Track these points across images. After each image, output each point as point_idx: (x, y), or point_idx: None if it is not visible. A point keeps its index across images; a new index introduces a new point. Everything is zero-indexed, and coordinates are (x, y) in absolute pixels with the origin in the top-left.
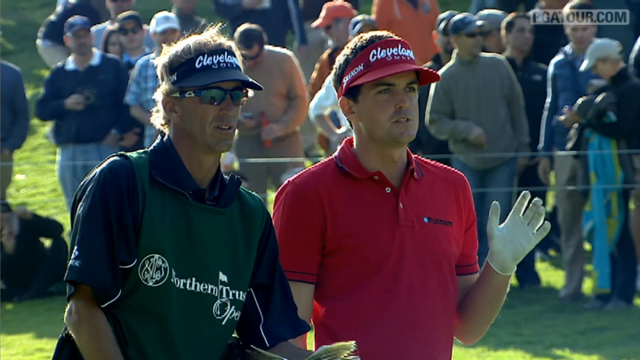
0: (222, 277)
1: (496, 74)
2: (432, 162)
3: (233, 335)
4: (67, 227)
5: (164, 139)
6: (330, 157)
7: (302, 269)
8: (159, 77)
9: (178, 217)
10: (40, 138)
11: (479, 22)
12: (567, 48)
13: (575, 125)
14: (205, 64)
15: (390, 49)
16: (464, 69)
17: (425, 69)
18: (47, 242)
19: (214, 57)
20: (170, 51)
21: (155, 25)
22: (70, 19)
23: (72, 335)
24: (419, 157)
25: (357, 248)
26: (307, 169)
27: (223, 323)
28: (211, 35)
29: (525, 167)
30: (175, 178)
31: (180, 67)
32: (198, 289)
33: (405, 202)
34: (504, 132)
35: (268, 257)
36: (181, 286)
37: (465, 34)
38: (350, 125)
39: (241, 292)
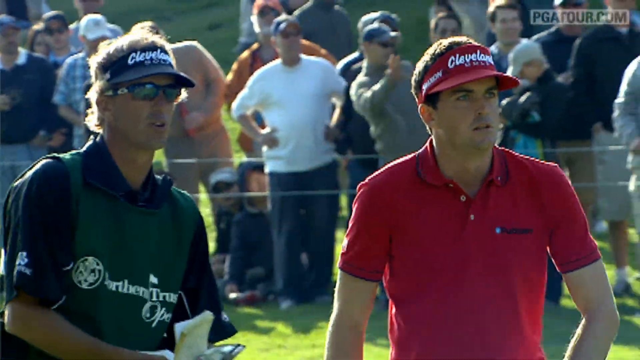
0: (153, 279)
1: (410, 79)
2: (527, 160)
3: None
4: None
5: (97, 140)
6: (413, 155)
7: (362, 265)
8: (93, 76)
9: (111, 220)
10: None
11: (393, 33)
12: (493, 48)
13: (501, 126)
14: (137, 60)
15: (469, 55)
16: (379, 76)
17: (504, 74)
18: None
19: (147, 53)
20: (104, 50)
21: (85, 29)
22: None
23: (23, 337)
24: (514, 155)
25: (414, 258)
26: (388, 166)
27: (153, 325)
28: (144, 34)
29: None
30: (108, 180)
31: (114, 65)
32: (130, 291)
33: (477, 213)
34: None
35: (199, 260)
36: (114, 288)
37: (378, 43)
38: (430, 132)
39: (172, 294)
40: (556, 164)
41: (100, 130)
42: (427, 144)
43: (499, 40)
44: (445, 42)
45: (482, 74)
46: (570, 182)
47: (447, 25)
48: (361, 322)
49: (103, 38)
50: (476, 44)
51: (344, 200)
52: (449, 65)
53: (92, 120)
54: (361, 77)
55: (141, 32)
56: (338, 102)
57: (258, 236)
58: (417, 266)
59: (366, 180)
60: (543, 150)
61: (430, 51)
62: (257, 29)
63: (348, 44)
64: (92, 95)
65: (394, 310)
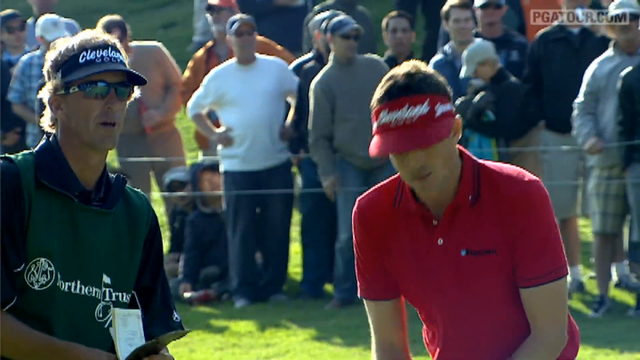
0: (106, 280)
1: (374, 74)
2: (502, 177)
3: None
4: None
5: (50, 139)
6: (398, 176)
7: (370, 287)
8: (46, 76)
9: (64, 220)
10: None
11: (355, 25)
12: (447, 48)
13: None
14: (88, 58)
15: (397, 112)
16: (342, 70)
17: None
18: None
19: (98, 51)
20: (55, 50)
21: (43, 30)
22: None
23: None
24: (491, 171)
25: (399, 280)
26: (377, 185)
27: (106, 326)
28: (95, 32)
29: None
30: (61, 180)
31: (65, 64)
32: (83, 292)
33: (445, 236)
34: None
35: (153, 259)
36: (66, 289)
37: (340, 36)
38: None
39: (125, 294)
40: (534, 180)
41: (54, 130)
42: None
43: (453, 39)
44: (385, 86)
45: (400, 148)
46: (545, 199)
47: (397, 25)
48: (396, 340)
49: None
50: (413, 95)
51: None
52: (378, 121)
53: (46, 120)
54: (327, 69)
55: (92, 31)
56: (293, 101)
57: (212, 235)
58: (404, 287)
59: (357, 200)
60: (497, 149)
61: (378, 91)
62: (212, 27)
63: (370, 43)
64: (45, 94)
65: None
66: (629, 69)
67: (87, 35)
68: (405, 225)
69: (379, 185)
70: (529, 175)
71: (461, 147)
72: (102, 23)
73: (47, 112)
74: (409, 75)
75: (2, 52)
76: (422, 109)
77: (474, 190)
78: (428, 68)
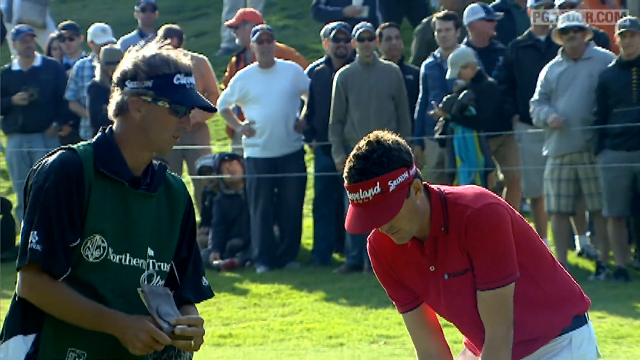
0: (150, 252)
1: (388, 77)
2: (462, 206)
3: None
4: (15, 204)
5: (106, 132)
6: None
7: (399, 302)
8: (129, 74)
9: (117, 202)
10: None
11: (365, 28)
12: (436, 52)
13: (442, 118)
14: (182, 82)
15: (354, 194)
16: (362, 69)
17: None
18: None
19: (188, 78)
20: (140, 55)
21: (93, 35)
22: (17, 27)
23: (30, 300)
24: (455, 200)
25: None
26: None
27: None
28: (181, 54)
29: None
30: (116, 168)
31: (159, 78)
32: (131, 263)
33: (434, 263)
34: (388, 127)
35: (189, 235)
36: (117, 261)
37: (356, 39)
38: None
39: (165, 264)
40: (485, 205)
41: (115, 120)
42: None
43: (440, 46)
44: (347, 166)
45: (359, 230)
46: (492, 220)
47: (390, 33)
48: (432, 345)
49: (109, 43)
50: (366, 181)
51: (310, 181)
52: (347, 194)
53: (111, 108)
54: (350, 65)
55: (176, 51)
56: (305, 99)
57: (235, 213)
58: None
59: (367, 239)
60: (478, 139)
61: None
62: (236, 40)
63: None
64: (125, 92)
65: None
66: (605, 68)
67: (176, 55)
68: (408, 255)
69: None
70: (483, 200)
71: (427, 184)
72: (162, 30)
73: (113, 102)
74: (364, 158)
75: (62, 58)
76: (374, 190)
77: (444, 220)
78: (389, 139)
